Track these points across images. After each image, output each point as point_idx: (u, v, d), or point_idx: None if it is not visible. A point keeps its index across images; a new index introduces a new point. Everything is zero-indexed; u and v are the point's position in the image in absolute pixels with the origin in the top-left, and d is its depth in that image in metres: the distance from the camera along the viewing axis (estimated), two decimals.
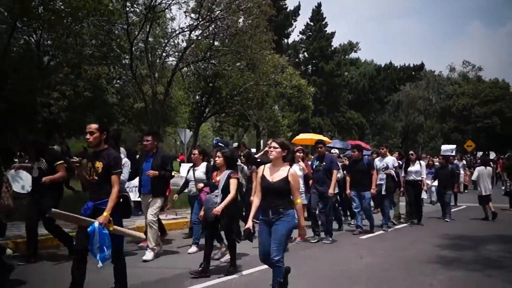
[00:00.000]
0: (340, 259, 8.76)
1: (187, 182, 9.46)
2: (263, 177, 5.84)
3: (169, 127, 32.99)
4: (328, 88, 44.83)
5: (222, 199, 7.15)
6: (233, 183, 7.30)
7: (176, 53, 21.75)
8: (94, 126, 5.66)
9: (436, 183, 15.63)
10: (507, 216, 15.47)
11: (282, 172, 5.75)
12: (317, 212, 10.64)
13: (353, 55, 58.69)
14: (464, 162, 26.56)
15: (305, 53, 47.49)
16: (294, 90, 29.07)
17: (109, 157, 5.57)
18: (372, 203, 13.06)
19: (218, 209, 6.99)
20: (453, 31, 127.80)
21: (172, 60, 22.92)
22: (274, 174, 5.77)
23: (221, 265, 7.96)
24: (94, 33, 17.83)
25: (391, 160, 12.82)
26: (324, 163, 10.36)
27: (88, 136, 5.67)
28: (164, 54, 22.15)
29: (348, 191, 11.63)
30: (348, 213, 13.49)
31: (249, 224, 5.89)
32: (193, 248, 8.97)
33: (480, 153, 36.71)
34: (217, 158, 7.70)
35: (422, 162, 13.76)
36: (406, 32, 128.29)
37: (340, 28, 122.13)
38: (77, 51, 18.60)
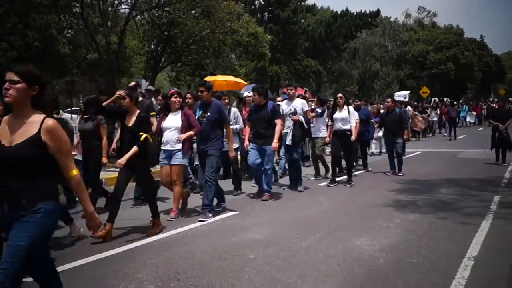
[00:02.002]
0: (298, 206, 8.93)
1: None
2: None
3: (124, 77, 32.39)
4: (284, 36, 44.41)
5: None
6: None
7: (129, 0, 21.11)
8: None
9: (381, 133, 14.21)
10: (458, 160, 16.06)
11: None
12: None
13: (309, 1, 58.43)
14: (410, 108, 24.67)
15: (261, 0, 46.83)
16: (250, 38, 28.88)
17: None
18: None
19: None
20: None
21: (125, 8, 22.27)
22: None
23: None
24: None
25: (299, 103, 10.74)
26: (209, 113, 8.14)
27: None
28: (116, 1, 21.48)
29: (246, 142, 9.67)
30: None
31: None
32: None
33: (435, 99, 37.37)
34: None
35: (351, 107, 11.37)
36: None
37: None
38: None
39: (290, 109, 10.51)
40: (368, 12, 49.25)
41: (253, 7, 44.53)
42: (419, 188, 10.61)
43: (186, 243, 6.35)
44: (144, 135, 6.73)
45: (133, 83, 11.57)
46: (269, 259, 5.59)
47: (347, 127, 10.95)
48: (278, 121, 9.32)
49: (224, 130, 8.32)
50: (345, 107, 11.05)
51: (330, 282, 4.86)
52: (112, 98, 7.16)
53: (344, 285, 4.79)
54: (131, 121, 6.86)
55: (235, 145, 9.90)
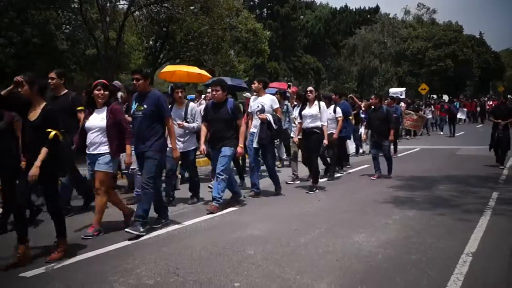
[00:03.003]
0: (297, 202, 8.92)
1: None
2: None
3: (123, 74, 32.33)
4: (283, 32, 44.36)
5: None
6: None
7: None
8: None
9: (363, 130, 14.16)
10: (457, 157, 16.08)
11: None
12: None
13: None
14: (403, 104, 23.89)
15: None
16: (249, 34, 28.88)
17: None
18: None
19: None
20: None
21: (124, 4, 22.33)
22: None
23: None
24: None
25: (268, 99, 9.22)
26: (145, 106, 6.72)
27: None
28: None
29: (202, 147, 8.52)
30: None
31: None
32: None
33: (434, 96, 37.36)
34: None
35: (323, 104, 9.84)
36: None
37: None
38: None
39: (258, 106, 9.10)
40: (367, 8, 49.35)
41: (252, 3, 44.54)
42: (417, 185, 10.61)
43: (185, 238, 6.35)
44: (54, 132, 5.39)
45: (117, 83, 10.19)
46: (268, 255, 5.60)
47: (317, 124, 9.59)
48: (240, 122, 8.19)
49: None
50: (316, 102, 9.69)
51: (328, 278, 4.86)
52: (10, 86, 5.69)
53: (343, 281, 4.80)
54: (35, 115, 5.46)
55: (193, 146, 8.54)
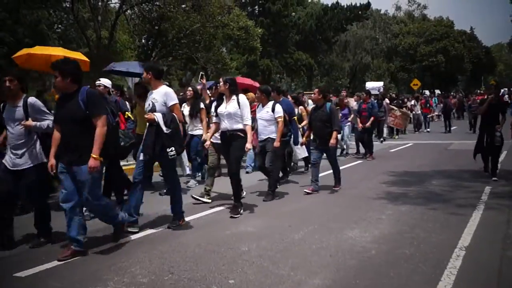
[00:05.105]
0: (290, 199, 8.95)
1: None
2: None
3: None
4: (275, 29, 44.34)
5: None
6: None
7: None
8: None
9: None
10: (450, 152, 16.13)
11: None
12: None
13: None
14: (387, 101, 21.49)
15: None
16: (241, 32, 28.83)
17: None
18: None
19: None
20: None
21: (115, 2, 22.29)
22: None
23: None
24: None
25: (160, 94, 6.64)
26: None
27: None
28: None
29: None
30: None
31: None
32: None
33: (426, 92, 37.12)
34: None
35: (242, 97, 7.61)
36: None
37: None
38: None
39: (149, 104, 6.69)
40: (358, 5, 49.38)
41: (243, 0, 44.44)
42: (410, 180, 10.66)
43: (179, 236, 6.35)
44: None
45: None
46: (262, 251, 5.61)
47: (238, 126, 7.47)
48: (96, 121, 5.37)
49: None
50: (234, 97, 7.52)
51: (322, 274, 4.88)
52: None
53: (337, 276, 4.82)
54: None
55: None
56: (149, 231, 6.62)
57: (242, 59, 36.49)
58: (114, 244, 6.01)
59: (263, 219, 7.28)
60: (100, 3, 21.15)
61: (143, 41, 27.39)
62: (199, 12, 22.18)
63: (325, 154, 9.59)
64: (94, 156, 5.24)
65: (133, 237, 6.31)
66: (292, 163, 12.05)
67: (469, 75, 67.44)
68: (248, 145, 7.44)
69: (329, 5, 50.29)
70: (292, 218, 7.26)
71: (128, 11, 22.96)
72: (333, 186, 9.60)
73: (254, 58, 37.66)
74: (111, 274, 4.95)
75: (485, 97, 11.64)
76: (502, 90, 30.15)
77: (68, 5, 20.34)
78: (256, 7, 46.46)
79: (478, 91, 43.48)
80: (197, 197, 8.34)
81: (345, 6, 49.39)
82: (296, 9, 49.34)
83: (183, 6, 22.27)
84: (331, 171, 9.76)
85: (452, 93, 44.60)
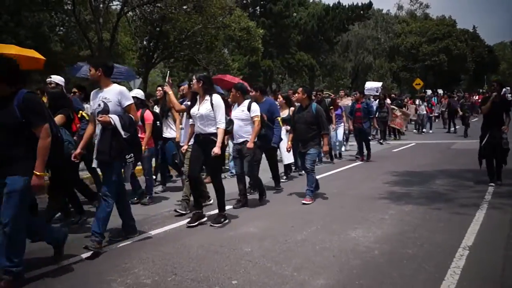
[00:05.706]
0: (292, 199, 8.93)
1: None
2: None
3: None
4: (277, 30, 44.30)
5: None
6: None
7: None
8: None
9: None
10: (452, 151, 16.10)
11: None
12: None
13: None
14: (388, 101, 21.69)
15: None
16: (243, 33, 28.84)
17: None
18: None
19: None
20: None
21: (117, 4, 22.37)
22: None
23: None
24: None
25: (114, 93, 5.84)
26: None
27: None
28: None
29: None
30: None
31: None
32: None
33: (428, 91, 36.87)
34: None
35: (216, 97, 6.84)
36: None
37: None
38: None
39: (99, 104, 5.87)
40: (360, 4, 49.28)
41: (244, 1, 44.42)
42: (413, 180, 10.64)
43: (182, 237, 6.35)
44: None
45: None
46: (265, 252, 5.61)
47: (211, 130, 6.82)
48: (39, 130, 4.57)
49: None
50: (207, 97, 6.85)
51: (325, 274, 4.87)
52: None
53: (340, 277, 4.81)
54: None
55: None
56: (152, 232, 6.63)
57: (244, 60, 36.49)
58: (117, 245, 6.01)
59: (266, 220, 7.28)
60: (101, 5, 21.15)
61: (144, 42, 27.44)
62: (201, 13, 22.22)
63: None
64: (38, 173, 4.51)
65: (136, 238, 6.31)
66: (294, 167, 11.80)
67: (472, 74, 67.28)
68: (216, 149, 6.59)
69: (331, 5, 50.24)
70: (295, 219, 7.25)
71: (130, 13, 23.02)
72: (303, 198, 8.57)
73: (256, 59, 37.65)
74: (115, 275, 4.95)
75: (488, 95, 10.90)
76: (504, 89, 29.69)
77: (69, 7, 20.38)
78: (258, 8, 46.44)
79: (480, 90, 43.40)
80: (179, 210, 7.62)
81: (347, 6, 49.28)
82: (298, 10, 49.33)
83: (185, 7, 22.31)
84: (331, 171, 9.73)
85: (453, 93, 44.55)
